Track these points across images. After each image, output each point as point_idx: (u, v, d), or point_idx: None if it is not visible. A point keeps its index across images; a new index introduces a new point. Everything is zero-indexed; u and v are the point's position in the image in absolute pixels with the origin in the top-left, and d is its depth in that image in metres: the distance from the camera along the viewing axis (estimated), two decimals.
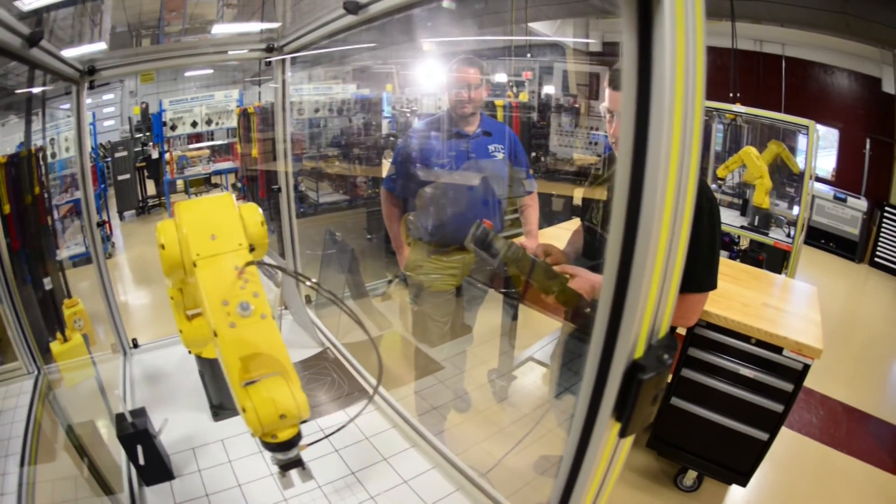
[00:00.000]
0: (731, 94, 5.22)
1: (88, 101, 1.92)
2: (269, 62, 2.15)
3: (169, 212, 7.31)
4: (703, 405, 2.66)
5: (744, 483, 2.68)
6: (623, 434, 0.63)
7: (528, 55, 9.21)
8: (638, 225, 0.57)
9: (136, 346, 2.10)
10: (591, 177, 2.43)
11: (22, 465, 1.47)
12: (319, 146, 7.22)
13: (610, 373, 0.60)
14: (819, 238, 7.46)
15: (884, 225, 6.95)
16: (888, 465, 3.22)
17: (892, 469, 3.19)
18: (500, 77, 8.21)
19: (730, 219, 5.42)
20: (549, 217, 4.79)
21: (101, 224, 2.02)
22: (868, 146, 7.29)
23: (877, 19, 5.84)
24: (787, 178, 5.57)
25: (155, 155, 8.03)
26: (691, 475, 2.90)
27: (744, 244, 5.53)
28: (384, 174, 2.90)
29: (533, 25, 9.24)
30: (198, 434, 1.60)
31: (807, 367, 2.42)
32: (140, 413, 1.40)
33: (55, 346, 1.91)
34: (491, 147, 2.72)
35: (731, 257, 5.25)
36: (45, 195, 4.83)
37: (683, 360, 2.66)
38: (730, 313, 2.53)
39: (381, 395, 1.78)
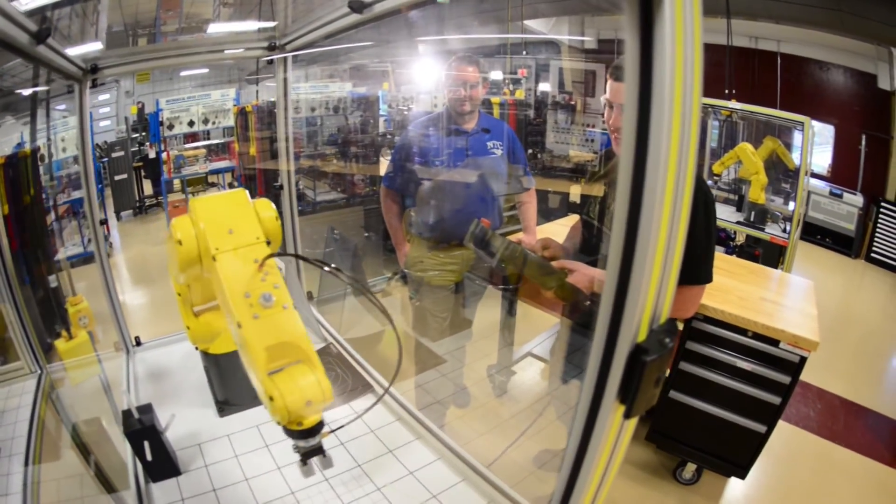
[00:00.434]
0: (726, 91, 5.24)
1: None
2: (271, 61, 2.16)
3: (166, 211, 7.30)
4: (702, 398, 2.68)
5: (742, 476, 2.70)
6: (628, 415, 0.65)
7: (525, 53, 9.24)
8: (640, 216, 0.59)
9: (138, 343, 2.12)
10: (589, 173, 2.45)
11: (26, 464, 1.48)
12: (317, 145, 7.23)
13: (615, 356, 0.63)
14: (815, 234, 7.49)
15: (880, 220, 6.99)
16: (886, 459, 3.24)
17: (890, 462, 3.22)
18: (497, 75, 8.24)
19: (726, 214, 5.45)
20: (546, 214, 4.81)
21: (103, 222, 2.04)
22: (864, 142, 7.32)
23: (871, 16, 5.87)
24: (782, 174, 5.61)
25: (152, 154, 8.01)
26: (690, 468, 2.91)
27: (740, 240, 5.56)
28: (381, 172, 2.92)
29: (528, 23, 9.26)
30: (203, 430, 1.62)
31: (803, 360, 2.43)
32: (147, 409, 1.42)
33: (60, 344, 1.93)
34: (489, 144, 2.75)
35: (727, 253, 5.28)
36: (44, 195, 4.83)
37: (681, 354, 2.68)
38: (727, 307, 2.55)
39: (383, 388, 1.80)
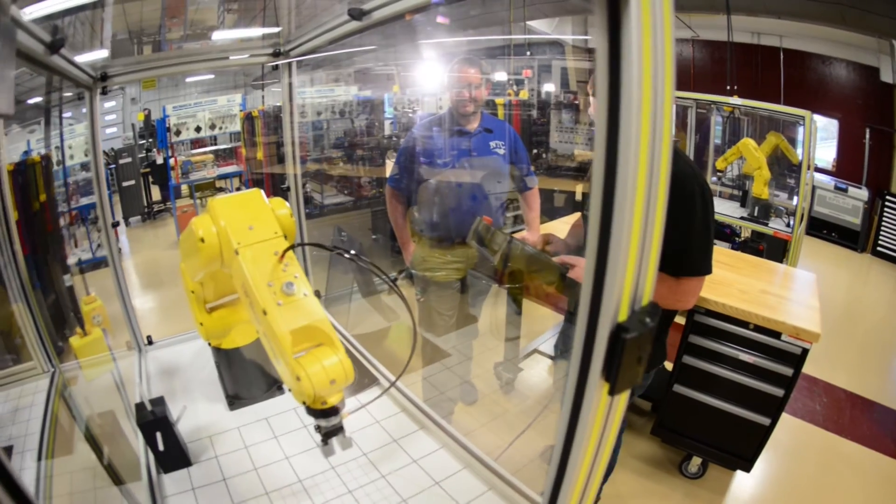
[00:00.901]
0: (728, 87, 5.26)
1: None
2: (277, 66, 2.22)
3: (174, 217, 7.38)
4: (706, 391, 2.70)
5: (747, 468, 2.71)
6: (612, 391, 0.69)
7: (528, 53, 9.26)
8: (613, 206, 0.63)
9: (150, 342, 2.17)
10: (590, 170, 2.48)
11: (39, 459, 1.51)
12: (323, 148, 7.28)
13: (597, 335, 0.67)
14: (821, 228, 7.49)
15: (885, 214, 6.98)
16: (892, 451, 3.24)
17: None
18: (501, 76, 8.27)
19: (730, 210, 5.47)
20: (551, 213, 4.84)
21: (115, 224, 2.09)
22: (868, 136, 7.31)
23: (871, 9, 5.87)
24: (787, 170, 5.62)
25: (159, 160, 8.10)
26: (696, 462, 2.93)
27: (746, 235, 5.57)
28: (388, 174, 2.97)
29: (531, 24, 9.29)
30: (214, 423, 1.66)
31: (805, 352, 2.45)
32: (159, 402, 1.47)
33: (75, 341, 1.98)
34: (492, 144, 2.79)
35: (732, 248, 5.29)
36: (54, 202, 4.90)
37: (685, 348, 2.71)
38: (728, 300, 2.57)
39: (388, 381, 1.85)
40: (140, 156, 8.60)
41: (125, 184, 7.89)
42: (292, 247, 1.18)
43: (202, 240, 1.18)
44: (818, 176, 7.28)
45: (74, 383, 2.06)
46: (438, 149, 2.77)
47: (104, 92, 1.94)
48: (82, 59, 1.87)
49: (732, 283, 2.79)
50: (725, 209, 5.53)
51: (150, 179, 8.78)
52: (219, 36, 7.19)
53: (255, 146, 7.35)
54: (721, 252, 3.35)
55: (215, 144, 8.22)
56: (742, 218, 5.24)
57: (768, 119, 5.87)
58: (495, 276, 3.07)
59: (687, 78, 8.92)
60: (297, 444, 1.56)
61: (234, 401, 1.75)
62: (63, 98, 4.94)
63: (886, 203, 6.99)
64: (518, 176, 2.92)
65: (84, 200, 6.08)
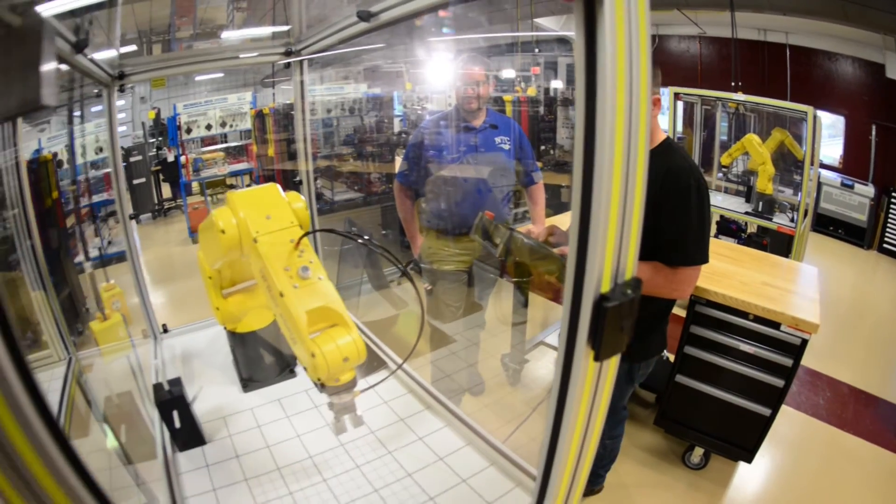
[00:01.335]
0: (732, 84, 5.29)
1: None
2: (288, 65, 2.28)
3: (186, 214, 7.47)
4: (708, 382, 2.74)
5: (749, 459, 2.74)
6: (598, 357, 0.75)
7: (536, 50, 9.30)
8: (592, 187, 0.69)
9: (165, 331, 2.25)
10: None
11: None
12: (333, 145, 7.34)
13: (581, 305, 0.73)
14: (828, 225, 7.50)
15: (891, 211, 6.97)
16: (894, 446, 3.25)
17: None
18: (509, 73, 8.31)
19: (734, 205, 5.51)
20: (559, 207, 4.89)
21: (133, 216, 2.16)
22: (874, 132, 7.31)
23: (872, 5, 5.86)
24: (792, 166, 5.64)
25: (170, 158, 8.19)
26: (698, 452, 2.96)
27: (751, 230, 5.60)
28: (397, 170, 3.04)
29: (539, 21, 9.32)
30: (228, 404, 1.74)
31: (805, 342, 2.48)
32: (176, 382, 1.54)
33: (95, 325, 2.06)
34: (497, 139, 2.85)
35: (738, 244, 5.32)
36: (68, 198, 4.98)
37: (686, 338, 2.75)
38: (728, 290, 2.61)
39: (396, 364, 1.91)
40: (150, 154, 8.69)
41: (136, 181, 7.97)
42: (308, 233, 1.26)
43: (223, 231, 1.26)
44: (824, 173, 7.28)
45: (90, 370, 2.14)
46: (445, 144, 2.83)
47: (121, 90, 2.01)
48: (99, 56, 1.94)
49: (734, 275, 2.83)
50: (730, 204, 5.57)
51: (161, 177, 8.88)
52: (228, 35, 7.27)
53: (265, 143, 7.42)
54: (724, 245, 3.39)
55: (226, 142, 8.31)
56: (747, 213, 5.27)
57: (774, 115, 5.88)
58: (500, 269, 3.13)
59: (694, 74, 8.92)
60: (308, 423, 1.63)
61: (248, 383, 1.82)
62: (75, 97, 5.01)
63: (893, 200, 6.97)
64: (523, 171, 2.98)
65: (95, 198, 6.17)
